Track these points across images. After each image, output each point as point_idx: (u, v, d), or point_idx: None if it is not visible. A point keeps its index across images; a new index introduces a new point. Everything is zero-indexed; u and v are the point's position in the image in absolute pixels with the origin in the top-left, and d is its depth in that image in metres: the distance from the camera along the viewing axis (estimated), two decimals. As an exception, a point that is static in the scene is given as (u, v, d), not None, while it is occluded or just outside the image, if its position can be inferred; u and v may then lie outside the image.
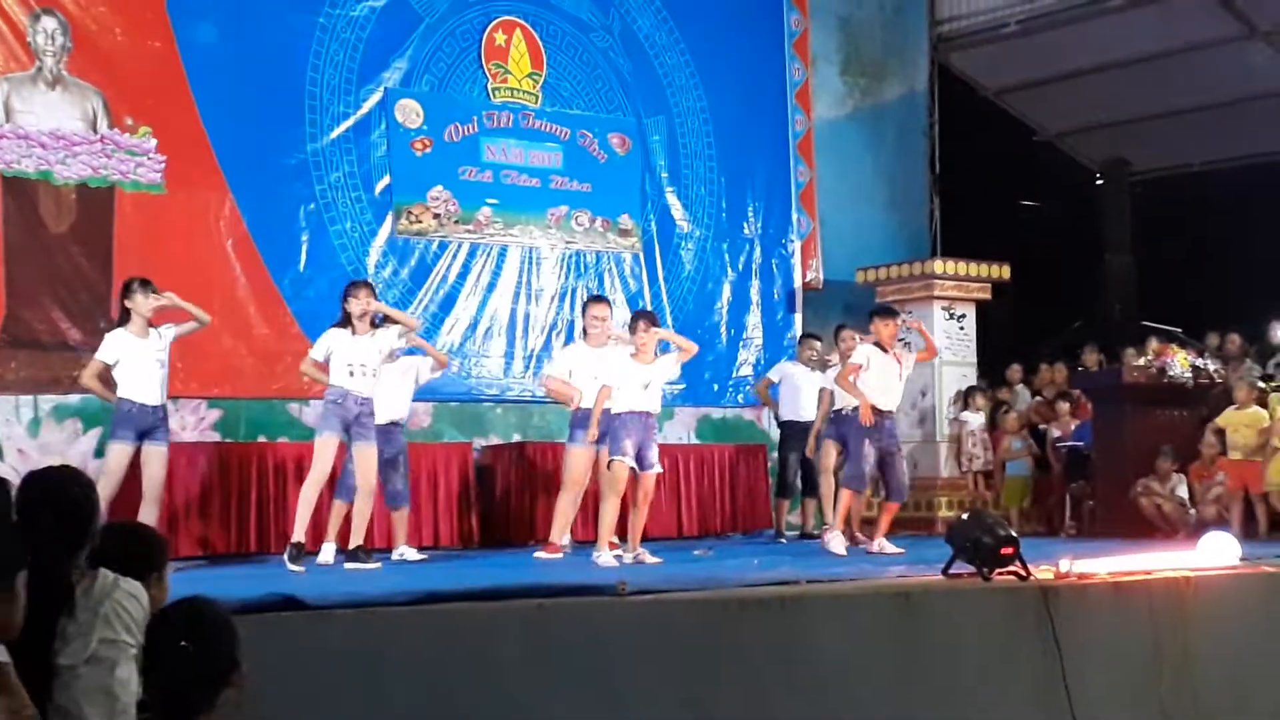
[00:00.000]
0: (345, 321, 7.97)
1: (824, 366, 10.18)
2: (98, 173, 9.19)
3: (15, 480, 3.42)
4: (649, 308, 11.44)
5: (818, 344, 10.59)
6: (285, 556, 7.72)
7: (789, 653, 5.48)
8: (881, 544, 8.61)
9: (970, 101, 14.31)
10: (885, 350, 8.78)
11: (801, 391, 10.29)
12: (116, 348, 7.77)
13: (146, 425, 7.75)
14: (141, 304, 7.80)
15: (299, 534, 7.74)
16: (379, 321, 8.13)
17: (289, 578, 6.96)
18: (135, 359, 7.76)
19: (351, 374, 7.87)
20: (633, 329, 8.23)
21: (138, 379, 7.75)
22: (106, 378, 7.83)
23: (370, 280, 8.86)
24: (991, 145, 14.16)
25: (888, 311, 9.12)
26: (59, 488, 3.37)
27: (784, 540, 10.15)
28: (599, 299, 9.22)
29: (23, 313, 8.86)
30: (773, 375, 10.67)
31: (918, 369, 11.65)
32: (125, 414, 7.72)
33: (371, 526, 8.38)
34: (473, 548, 9.76)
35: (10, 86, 8.98)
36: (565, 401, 8.70)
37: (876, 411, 8.67)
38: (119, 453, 7.65)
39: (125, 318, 7.85)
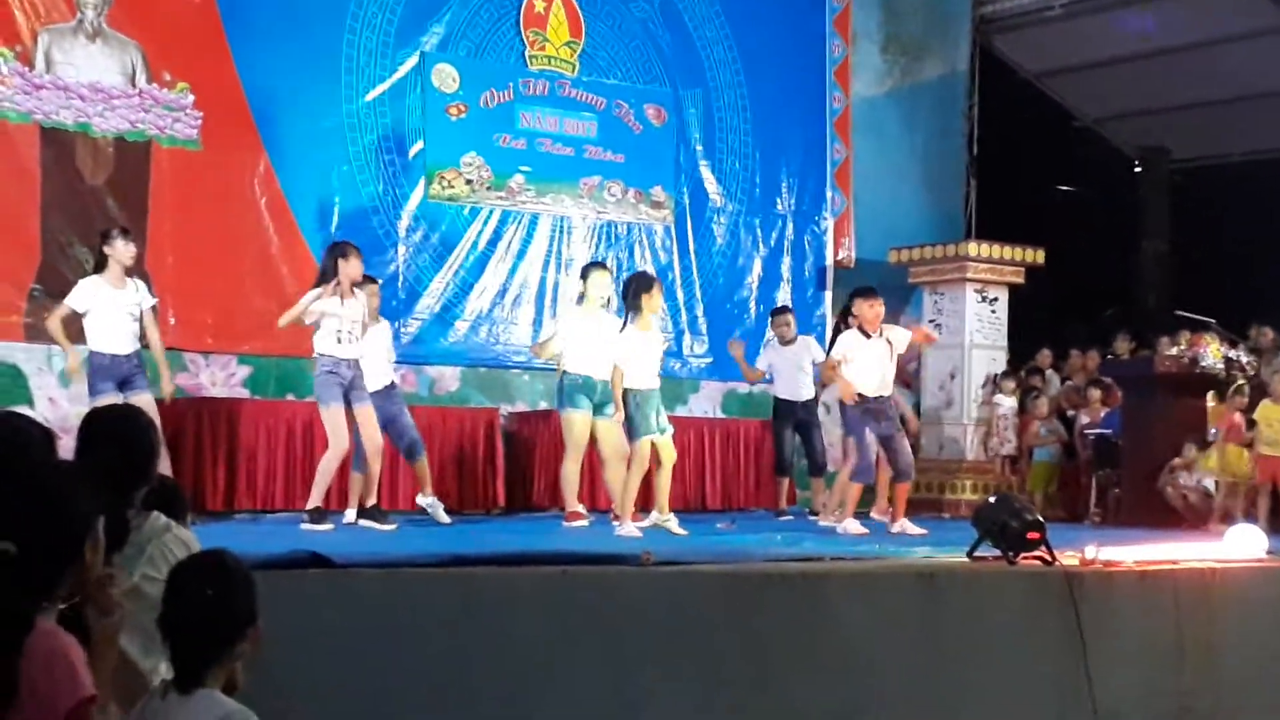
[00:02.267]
0: (332, 283, 7.72)
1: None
2: (135, 126, 9.21)
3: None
4: (679, 281, 11.45)
5: (791, 317, 10.29)
6: (304, 522, 7.70)
7: (810, 629, 5.47)
8: (904, 525, 8.55)
9: (1010, 84, 14.18)
10: (868, 335, 8.55)
11: (789, 367, 10.05)
12: (88, 297, 7.62)
13: (123, 375, 7.63)
14: (122, 251, 7.69)
15: (316, 502, 7.72)
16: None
17: (315, 536, 6.98)
18: (107, 309, 7.63)
19: (339, 340, 7.73)
20: (645, 292, 8.00)
21: (109, 330, 7.62)
22: (71, 324, 7.68)
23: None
24: (1030, 128, 14.04)
25: (869, 292, 8.75)
26: (121, 425, 3.38)
27: (783, 519, 9.99)
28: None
29: (58, 263, 8.89)
30: (760, 365, 10.27)
31: (945, 351, 11.73)
32: (101, 367, 7.60)
33: (390, 487, 8.40)
34: (497, 512, 9.79)
35: (51, 38, 8.99)
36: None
37: (867, 398, 8.45)
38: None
39: (101, 265, 7.73)
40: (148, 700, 2.74)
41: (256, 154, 9.64)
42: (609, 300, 8.73)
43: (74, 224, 8.97)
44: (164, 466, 7.29)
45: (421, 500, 8.35)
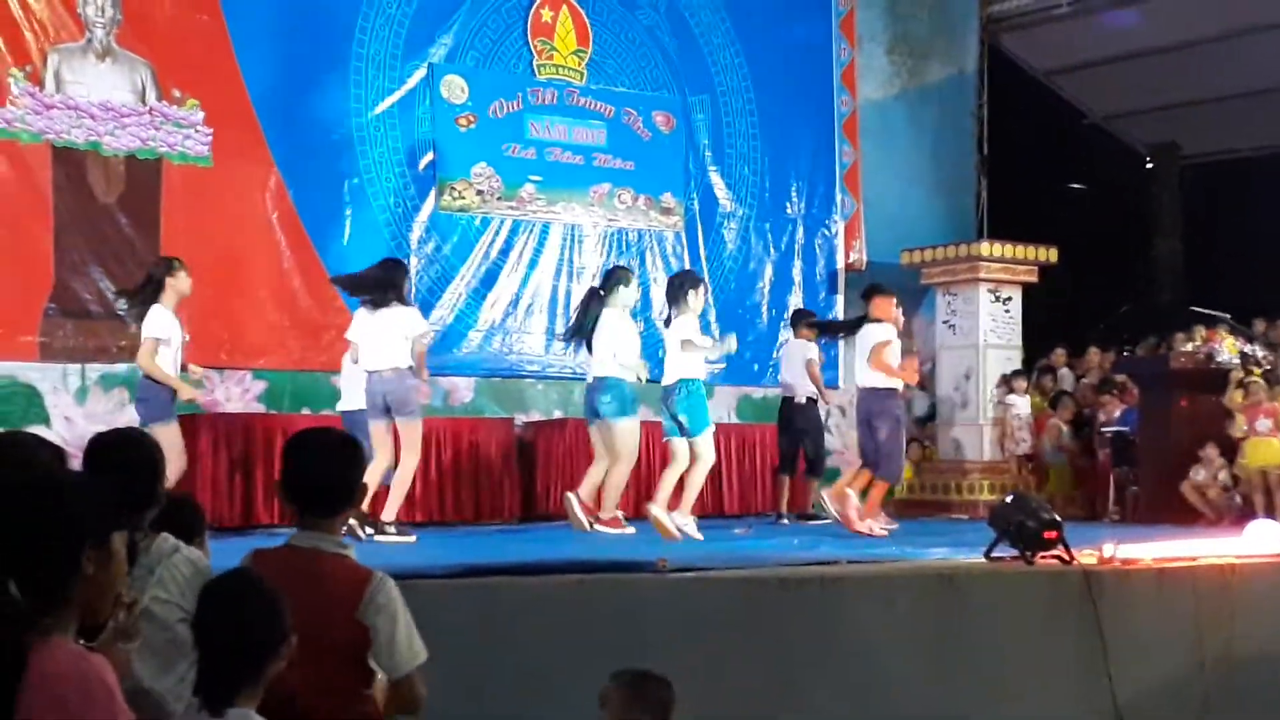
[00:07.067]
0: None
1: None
2: (146, 144, 9.25)
3: (65, 448, 3.45)
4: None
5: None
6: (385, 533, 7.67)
7: (828, 633, 5.46)
8: (871, 525, 8.51)
9: (1019, 83, 14.16)
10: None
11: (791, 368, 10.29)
12: (165, 325, 7.60)
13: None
14: (184, 282, 7.72)
15: (393, 514, 7.76)
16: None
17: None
18: (174, 338, 7.67)
19: (355, 361, 7.91)
20: (694, 289, 8.26)
21: (173, 358, 7.66)
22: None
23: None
24: (1040, 127, 14.02)
25: (887, 290, 8.92)
26: (126, 449, 3.39)
27: (785, 522, 9.98)
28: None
29: (72, 282, 8.93)
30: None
31: (960, 351, 11.71)
32: (169, 393, 7.59)
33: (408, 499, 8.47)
34: (513, 523, 9.79)
35: (61, 57, 9.04)
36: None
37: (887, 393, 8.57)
38: (173, 432, 7.47)
39: (158, 293, 7.61)
40: (179, 721, 2.74)
41: (267, 169, 9.67)
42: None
43: (87, 243, 9.01)
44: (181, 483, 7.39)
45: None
